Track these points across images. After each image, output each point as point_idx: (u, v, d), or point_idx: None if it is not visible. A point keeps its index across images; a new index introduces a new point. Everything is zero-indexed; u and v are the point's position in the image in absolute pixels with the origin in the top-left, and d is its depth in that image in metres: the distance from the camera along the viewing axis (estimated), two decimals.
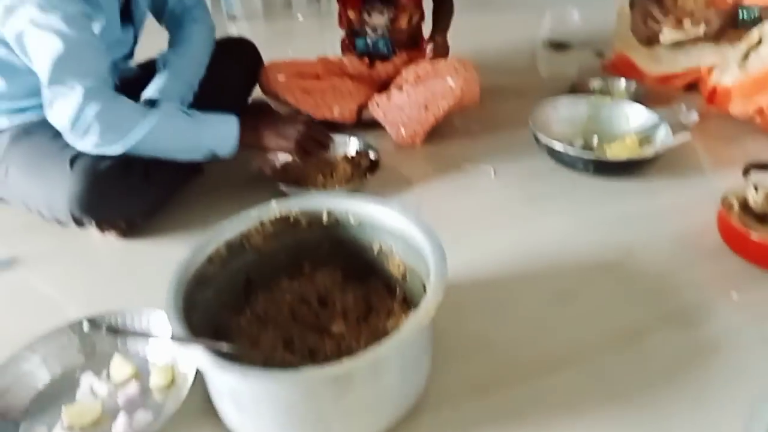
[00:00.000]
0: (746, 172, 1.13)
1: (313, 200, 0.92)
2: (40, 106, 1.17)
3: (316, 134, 1.28)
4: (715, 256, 1.05)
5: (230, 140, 1.17)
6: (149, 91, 1.29)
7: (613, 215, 1.19)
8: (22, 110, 1.19)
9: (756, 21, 1.42)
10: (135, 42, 1.34)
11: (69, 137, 1.06)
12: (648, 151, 1.27)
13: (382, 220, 0.88)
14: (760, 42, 1.36)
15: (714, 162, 1.38)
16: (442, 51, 1.56)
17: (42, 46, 1.01)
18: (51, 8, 1.00)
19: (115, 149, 1.07)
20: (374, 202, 0.88)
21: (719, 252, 1.05)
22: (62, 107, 1.03)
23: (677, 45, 1.56)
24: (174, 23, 1.42)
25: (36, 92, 1.16)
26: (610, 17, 1.82)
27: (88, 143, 1.06)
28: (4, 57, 1.11)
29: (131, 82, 1.34)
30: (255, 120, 1.24)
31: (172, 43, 1.41)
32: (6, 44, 1.10)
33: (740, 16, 1.44)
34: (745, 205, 1.05)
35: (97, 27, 1.17)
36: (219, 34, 1.53)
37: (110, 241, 1.18)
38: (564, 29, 2.09)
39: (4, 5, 1.01)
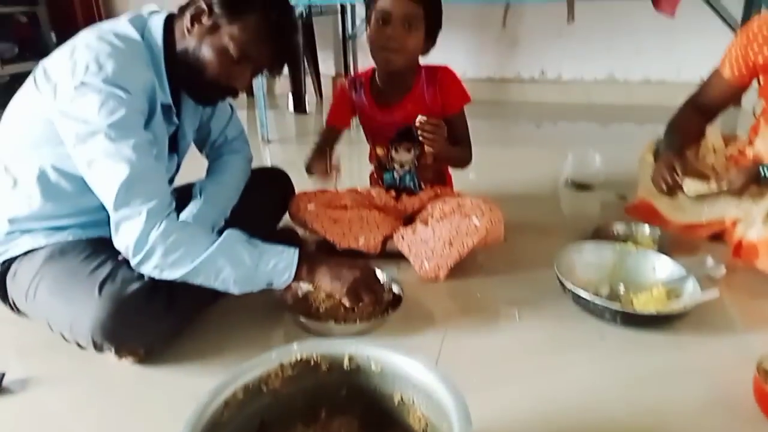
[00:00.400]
0: None
1: (335, 344, 0.90)
2: (79, 226, 1.22)
3: (371, 283, 1.27)
4: (752, 424, 0.99)
5: (287, 273, 1.17)
6: (182, 217, 1.34)
7: (641, 371, 1.14)
8: (61, 229, 1.23)
9: None
10: (177, 170, 1.41)
11: (133, 260, 1.09)
12: (676, 306, 1.25)
13: (406, 370, 0.85)
14: None
15: (745, 319, 1.34)
16: (434, 129, 1.47)
17: (111, 173, 1.06)
18: (121, 138, 1.06)
19: (176, 273, 1.09)
20: (398, 352, 0.87)
21: (756, 420, 0.99)
22: (128, 229, 1.07)
23: (700, 197, 1.58)
24: (214, 153, 1.50)
25: (76, 213, 1.21)
26: (630, 162, 1.88)
27: (151, 265, 1.08)
28: (54, 181, 1.17)
29: None
30: (313, 257, 1.25)
31: (211, 171, 1.48)
32: (58, 170, 1.16)
33: (762, 174, 1.47)
34: None
35: None
36: (253, 155, 1.60)
37: (126, 366, 1.17)
38: (586, 170, 2.15)
39: (75, 133, 1.07)
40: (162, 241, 1.07)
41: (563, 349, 1.23)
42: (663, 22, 2.30)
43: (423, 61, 1.61)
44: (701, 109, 1.70)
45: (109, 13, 4.42)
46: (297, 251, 1.19)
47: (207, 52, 1.18)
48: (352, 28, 3.75)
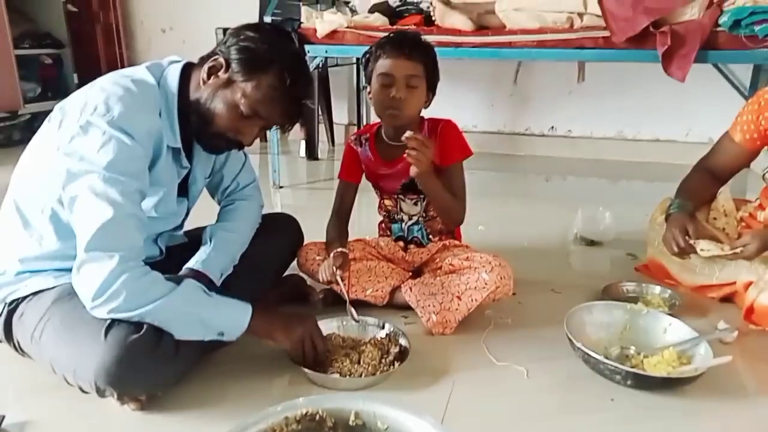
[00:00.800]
0: None
1: (342, 399, 0.89)
2: None
3: (316, 340, 1.28)
4: None
5: (239, 327, 1.19)
6: (192, 262, 1.34)
7: None
8: (70, 270, 1.23)
9: None
10: (187, 215, 1.43)
11: (90, 302, 1.07)
12: (688, 370, 1.23)
13: (412, 429, 0.84)
14: None
15: (758, 384, 1.32)
16: (420, 145, 1.42)
17: (92, 213, 1.07)
18: (113, 183, 1.08)
19: (130, 315, 1.09)
20: (404, 410, 0.85)
21: None
22: (93, 271, 1.06)
23: (711, 258, 1.57)
24: (226, 200, 1.52)
25: None
26: (640, 220, 1.88)
27: (108, 307, 1.07)
28: (65, 220, 1.18)
29: (177, 250, 1.40)
30: (267, 312, 1.26)
31: (222, 217, 1.49)
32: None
33: None
34: None
35: (153, 200, 1.26)
36: (264, 200, 1.62)
37: (127, 412, 1.15)
38: (596, 227, 2.15)
39: (67, 170, 1.09)
40: (128, 286, 1.06)
41: (573, 411, 1.20)
42: (673, 84, 2.34)
43: (430, 112, 1.64)
44: (712, 172, 1.71)
45: (131, 57, 4.56)
46: (251, 308, 1.20)
47: (218, 105, 1.20)
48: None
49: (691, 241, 1.53)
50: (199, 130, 1.26)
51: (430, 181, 1.50)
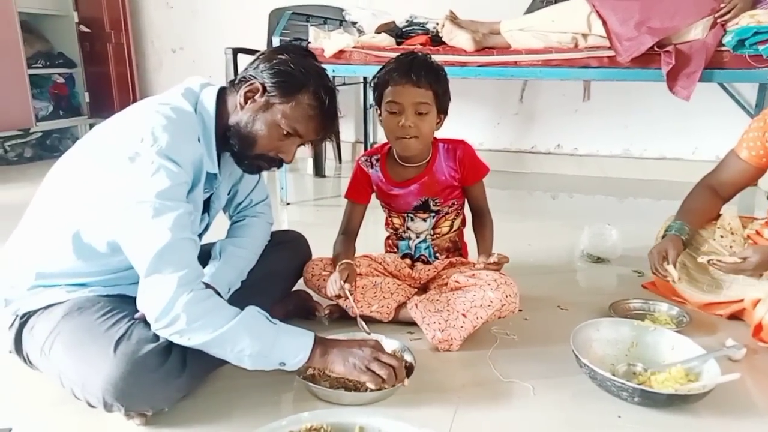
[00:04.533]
0: None
1: (346, 414, 0.89)
2: (101, 283, 1.24)
3: (382, 358, 1.25)
4: None
5: (301, 355, 1.18)
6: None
7: None
8: (83, 285, 1.25)
9: None
10: (206, 230, 1.44)
11: (156, 324, 1.09)
12: (696, 387, 1.22)
13: None
14: None
15: (767, 402, 1.30)
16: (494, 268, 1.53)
17: (148, 241, 1.09)
18: (165, 209, 1.10)
19: (195, 341, 1.10)
20: (409, 424, 0.85)
21: None
22: (157, 294, 1.08)
23: (717, 277, 1.57)
24: (237, 215, 1.54)
25: (103, 271, 1.23)
26: (647, 237, 1.88)
27: (173, 330, 1.09)
28: (86, 241, 1.20)
29: None
30: (327, 341, 1.25)
31: (232, 233, 1.51)
32: (93, 232, 1.18)
33: None
34: None
35: None
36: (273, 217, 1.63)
37: (133, 427, 1.15)
38: (603, 244, 2.15)
39: (124, 199, 1.11)
40: (188, 309, 1.08)
41: (579, 428, 1.20)
42: (679, 103, 2.35)
43: (448, 129, 1.66)
44: (716, 189, 1.71)
45: (142, 77, 4.63)
46: (313, 335, 1.22)
47: (259, 127, 1.24)
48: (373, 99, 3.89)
49: (668, 267, 1.54)
50: (241, 153, 1.29)
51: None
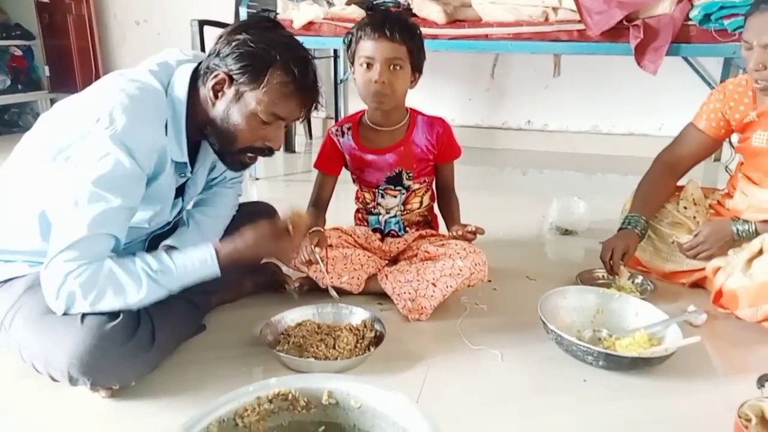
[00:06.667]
0: (761, 383, 1.09)
1: (315, 379, 0.89)
2: None
3: (276, 228, 1.26)
4: None
5: (212, 272, 1.17)
6: (168, 240, 1.33)
7: (623, 416, 1.13)
8: (42, 254, 1.20)
9: (752, 236, 1.48)
10: (180, 213, 1.39)
11: (55, 304, 1.07)
12: (658, 350, 1.25)
13: (386, 407, 0.84)
14: (761, 252, 1.40)
15: (725, 366, 1.35)
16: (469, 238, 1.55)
17: (68, 226, 1.06)
18: (97, 198, 1.05)
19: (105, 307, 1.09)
20: (378, 387, 0.85)
21: None
22: (53, 275, 1.06)
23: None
24: (207, 187, 1.49)
25: None
26: (614, 210, 1.90)
27: (76, 308, 1.07)
28: (51, 221, 1.15)
29: (159, 237, 1.37)
30: (225, 249, 1.20)
31: (200, 202, 1.47)
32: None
33: (736, 233, 1.52)
34: (763, 419, 1.00)
35: (148, 214, 1.23)
36: (242, 191, 1.61)
37: (98, 399, 1.13)
38: (570, 217, 2.18)
39: (59, 176, 1.08)
40: (84, 285, 1.06)
41: (546, 393, 1.22)
42: (646, 80, 2.39)
43: (418, 104, 1.65)
44: (673, 165, 1.73)
45: (105, 50, 4.47)
46: (210, 249, 1.17)
47: (236, 120, 1.17)
48: (344, 73, 3.83)
49: (621, 268, 1.59)
50: (224, 150, 1.22)
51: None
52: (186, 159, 1.23)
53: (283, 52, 1.15)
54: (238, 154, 1.23)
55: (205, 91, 1.18)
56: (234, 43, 1.14)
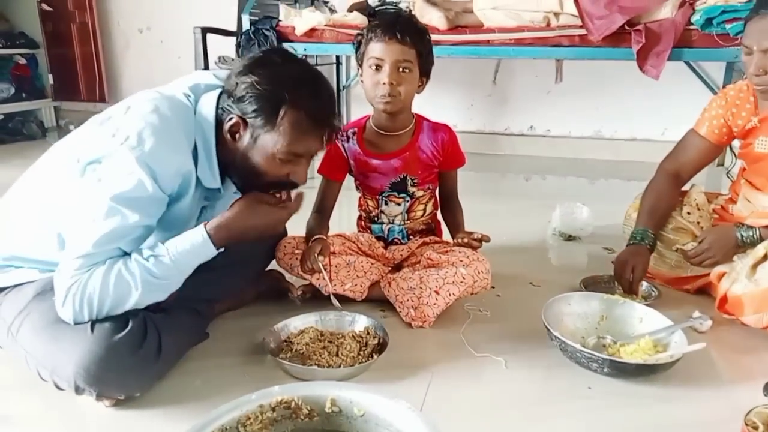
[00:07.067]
0: None
1: (318, 386, 0.88)
2: None
3: (265, 199, 1.23)
4: None
5: (206, 255, 1.17)
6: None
7: (629, 423, 1.13)
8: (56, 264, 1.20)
9: (756, 242, 1.47)
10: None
11: (63, 308, 1.08)
12: (663, 357, 1.24)
13: (390, 415, 0.83)
14: (765, 257, 1.40)
15: (731, 373, 1.34)
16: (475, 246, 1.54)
17: (80, 239, 1.07)
18: (113, 213, 1.06)
19: (118, 310, 1.09)
20: (382, 395, 0.85)
21: None
22: (64, 276, 1.07)
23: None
24: None
25: None
26: (617, 216, 1.90)
27: (85, 312, 1.07)
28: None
29: None
30: (217, 224, 1.18)
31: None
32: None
33: (740, 239, 1.51)
34: None
35: (165, 236, 1.20)
36: None
37: (102, 408, 1.13)
38: (574, 222, 2.17)
39: (83, 187, 1.09)
40: (87, 294, 1.06)
41: (551, 400, 1.21)
42: (649, 85, 2.38)
43: (420, 110, 1.65)
44: (677, 173, 1.72)
45: (108, 58, 4.49)
46: (200, 232, 1.15)
47: (257, 161, 1.16)
48: (347, 79, 3.84)
49: (640, 288, 1.59)
50: (255, 184, 1.21)
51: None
52: (219, 185, 1.22)
53: (293, 90, 1.12)
54: (269, 187, 1.22)
55: (225, 127, 1.17)
56: (243, 86, 1.13)
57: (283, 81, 1.13)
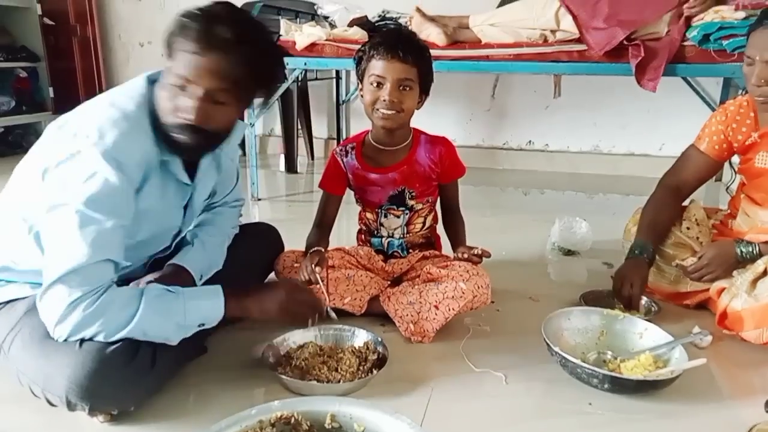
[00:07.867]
0: None
1: (317, 402, 0.88)
2: None
3: (301, 296, 1.26)
4: None
5: (216, 315, 1.17)
6: (174, 259, 1.34)
7: None
8: None
9: (756, 257, 1.48)
10: (178, 237, 1.39)
11: (56, 330, 1.05)
12: (663, 373, 1.24)
13: (390, 431, 0.83)
14: (765, 272, 1.40)
15: (732, 389, 1.33)
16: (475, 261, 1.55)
17: (66, 253, 1.04)
18: (89, 222, 1.04)
19: (109, 337, 1.07)
20: (382, 411, 0.84)
21: None
22: (56, 301, 1.04)
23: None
24: (209, 207, 1.49)
25: None
26: (616, 231, 1.90)
27: (78, 334, 1.05)
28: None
29: (161, 260, 1.37)
30: (239, 291, 1.22)
31: (203, 222, 1.46)
32: None
33: (740, 254, 1.51)
34: None
35: (150, 230, 1.22)
36: (243, 212, 1.61)
37: (96, 424, 1.12)
38: (573, 237, 2.17)
39: (48, 197, 1.06)
40: (88, 311, 1.04)
41: (551, 415, 1.20)
42: (646, 100, 2.40)
43: (419, 125, 1.66)
44: (678, 188, 1.72)
45: (109, 72, 4.52)
46: (220, 290, 1.18)
47: (160, 96, 1.13)
48: (346, 94, 3.86)
49: (640, 303, 1.59)
50: (168, 139, 1.15)
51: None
52: (186, 178, 1.23)
53: (190, 18, 1.09)
54: (167, 135, 1.14)
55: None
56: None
57: (190, 14, 1.10)
